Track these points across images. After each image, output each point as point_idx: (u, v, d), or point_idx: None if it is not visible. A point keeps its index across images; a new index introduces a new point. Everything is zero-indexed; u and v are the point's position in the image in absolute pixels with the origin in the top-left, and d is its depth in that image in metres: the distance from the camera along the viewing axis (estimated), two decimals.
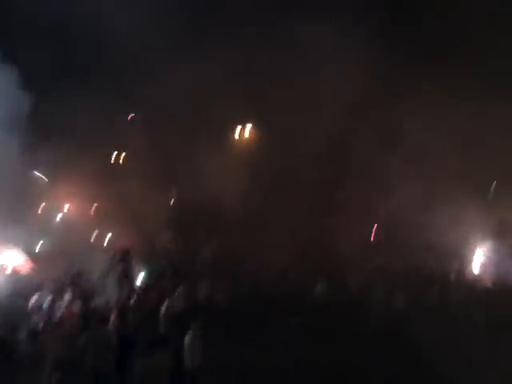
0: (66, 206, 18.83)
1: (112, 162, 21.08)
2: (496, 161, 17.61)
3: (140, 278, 15.30)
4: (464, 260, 18.20)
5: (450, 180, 17.91)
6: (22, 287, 13.58)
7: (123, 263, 15.63)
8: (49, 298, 12.96)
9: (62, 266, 15.15)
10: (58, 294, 13.36)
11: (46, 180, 18.40)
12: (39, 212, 17.83)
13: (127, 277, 14.88)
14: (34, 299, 12.86)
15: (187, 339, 10.62)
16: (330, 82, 18.80)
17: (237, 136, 24.32)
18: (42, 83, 17.29)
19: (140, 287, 14.59)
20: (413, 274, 17.48)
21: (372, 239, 20.41)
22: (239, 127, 24.39)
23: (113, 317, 11.86)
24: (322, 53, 18.67)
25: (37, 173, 18.28)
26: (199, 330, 10.68)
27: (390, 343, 13.32)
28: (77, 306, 12.67)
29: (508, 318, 14.90)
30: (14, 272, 14.44)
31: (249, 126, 24.48)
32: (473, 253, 18.16)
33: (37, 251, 16.03)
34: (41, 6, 16.55)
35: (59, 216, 18.60)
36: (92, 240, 17.75)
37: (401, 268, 17.80)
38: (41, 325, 11.83)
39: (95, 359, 10.44)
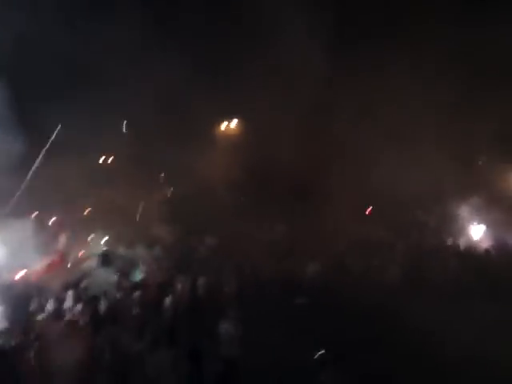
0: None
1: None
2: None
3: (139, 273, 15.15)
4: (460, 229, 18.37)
5: (437, 149, 18.07)
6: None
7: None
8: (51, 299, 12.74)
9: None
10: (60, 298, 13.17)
11: None
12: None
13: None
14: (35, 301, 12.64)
15: (225, 328, 10.84)
16: (307, 73, 18.95)
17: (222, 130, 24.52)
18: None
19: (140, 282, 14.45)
20: (410, 247, 17.62)
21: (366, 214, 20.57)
22: (225, 122, 24.56)
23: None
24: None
25: None
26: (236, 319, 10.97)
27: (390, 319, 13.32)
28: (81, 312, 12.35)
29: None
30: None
31: (234, 121, 24.65)
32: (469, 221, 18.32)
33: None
34: None
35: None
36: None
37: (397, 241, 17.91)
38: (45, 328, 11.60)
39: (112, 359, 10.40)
